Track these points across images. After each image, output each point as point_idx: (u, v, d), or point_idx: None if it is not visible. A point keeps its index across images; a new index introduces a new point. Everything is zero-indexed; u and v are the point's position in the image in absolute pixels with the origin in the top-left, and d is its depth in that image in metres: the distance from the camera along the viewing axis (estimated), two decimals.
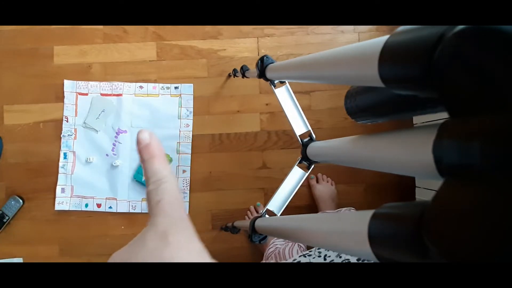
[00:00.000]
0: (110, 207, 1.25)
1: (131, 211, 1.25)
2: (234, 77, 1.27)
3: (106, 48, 1.29)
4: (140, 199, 1.25)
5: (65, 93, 1.27)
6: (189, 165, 1.27)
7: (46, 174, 1.26)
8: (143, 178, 1.29)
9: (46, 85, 1.28)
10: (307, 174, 0.86)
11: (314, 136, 0.85)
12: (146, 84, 1.28)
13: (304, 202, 1.29)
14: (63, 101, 1.27)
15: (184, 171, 1.27)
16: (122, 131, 1.27)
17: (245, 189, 1.29)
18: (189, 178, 1.27)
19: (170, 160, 1.26)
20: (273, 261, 0.95)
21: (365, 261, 0.67)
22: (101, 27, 1.29)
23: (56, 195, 1.25)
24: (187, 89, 1.29)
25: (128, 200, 1.25)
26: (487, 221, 0.24)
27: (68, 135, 1.26)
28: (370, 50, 0.37)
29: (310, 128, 0.85)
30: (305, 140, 0.85)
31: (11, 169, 1.25)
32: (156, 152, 0.34)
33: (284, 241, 1.02)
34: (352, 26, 1.34)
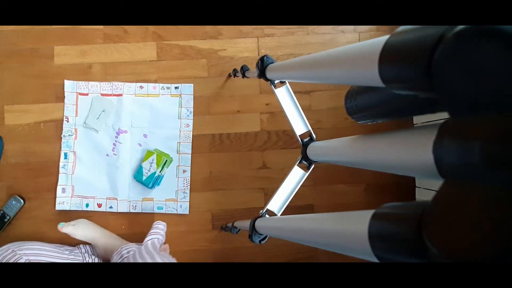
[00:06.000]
0: (111, 207, 1.25)
1: (132, 211, 1.25)
2: (234, 77, 1.27)
3: (106, 48, 1.29)
4: (141, 199, 1.25)
5: (65, 93, 1.27)
6: (189, 165, 1.27)
7: (47, 174, 1.26)
8: (143, 178, 1.30)
9: (47, 85, 1.28)
10: (307, 174, 0.86)
11: (314, 136, 0.85)
12: (146, 84, 1.28)
13: (304, 202, 1.29)
14: (63, 101, 1.27)
15: (184, 171, 1.27)
16: (123, 131, 1.27)
17: (245, 189, 1.29)
18: (189, 178, 1.27)
19: (171, 160, 1.26)
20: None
21: None
22: (101, 27, 1.29)
23: (57, 195, 1.25)
24: (187, 89, 1.29)
25: (129, 200, 1.25)
26: (486, 221, 0.24)
27: (69, 135, 1.27)
28: (371, 50, 0.37)
29: (310, 128, 0.86)
30: (305, 140, 0.85)
31: (12, 169, 1.26)
32: None
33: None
34: (353, 26, 1.34)
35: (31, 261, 1.02)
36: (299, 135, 0.85)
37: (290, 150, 1.30)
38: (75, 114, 1.27)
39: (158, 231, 1.11)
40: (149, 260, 0.94)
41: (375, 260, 0.34)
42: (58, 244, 1.15)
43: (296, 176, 0.86)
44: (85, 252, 1.16)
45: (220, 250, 1.27)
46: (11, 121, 1.27)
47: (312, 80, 0.64)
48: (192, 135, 1.28)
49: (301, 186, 0.86)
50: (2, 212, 1.21)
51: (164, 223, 1.17)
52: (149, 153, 1.24)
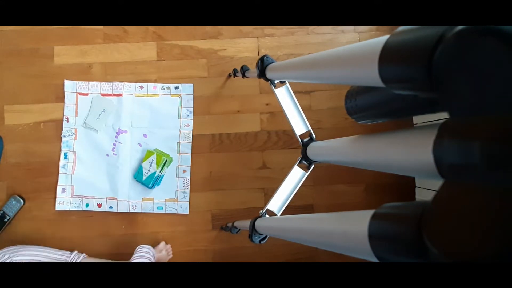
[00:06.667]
0: (111, 207, 1.25)
1: (132, 211, 1.25)
2: (234, 77, 1.27)
3: (106, 48, 1.29)
4: (141, 199, 1.25)
5: (65, 93, 1.27)
6: (189, 165, 1.27)
7: (47, 174, 1.26)
8: (143, 178, 1.30)
9: (47, 85, 1.28)
10: (307, 174, 0.86)
11: (314, 136, 0.85)
12: (146, 84, 1.28)
13: (304, 202, 1.29)
14: (63, 101, 1.27)
15: (184, 171, 1.27)
16: (123, 131, 1.27)
17: (245, 189, 1.29)
18: (189, 178, 1.27)
19: (171, 160, 1.26)
20: None
21: None
22: (101, 27, 1.29)
23: (57, 195, 1.25)
24: (187, 89, 1.29)
25: (129, 200, 1.25)
26: (486, 221, 0.24)
27: (69, 135, 1.27)
28: (370, 50, 0.37)
29: (310, 128, 0.85)
30: (305, 140, 0.85)
31: (12, 169, 1.25)
32: None
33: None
34: (353, 26, 1.34)
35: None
36: (299, 135, 0.85)
37: (290, 150, 1.30)
38: (75, 114, 1.27)
39: (142, 255, 1.08)
40: None
41: (375, 260, 0.34)
42: (55, 249, 1.14)
43: (296, 176, 0.86)
44: (72, 260, 1.13)
45: (220, 250, 1.27)
46: (11, 121, 1.27)
47: (312, 80, 0.64)
48: (192, 135, 1.28)
49: (301, 186, 0.86)
50: (2, 212, 1.21)
51: (148, 246, 1.13)
52: (149, 153, 1.24)
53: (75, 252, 1.15)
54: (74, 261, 1.12)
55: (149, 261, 1.07)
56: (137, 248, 1.11)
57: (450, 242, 0.25)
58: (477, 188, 0.26)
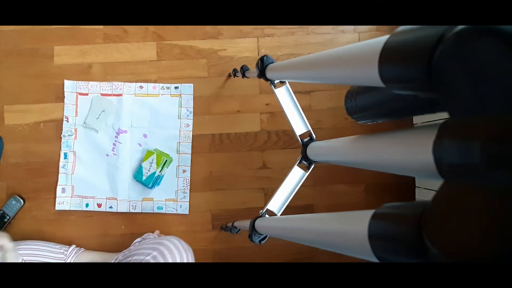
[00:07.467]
0: (111, 207, 1.25)
1: (132, 211, 1.25)
2: (234, 77, 1.27)
3: (106, 48, 1.29)
4: (141, 199, 1.25)
5: (65, 93, 1.27)
6: (189, 165, 1.27)
7: (47, 174, 1.26)
8: (143, 178, 1.30)
9: (47, 85, 1.28)
10: (307, 174, 0.86)
11: (314, 136, 0.85)
12: (146, 84, 1.28)
13: (304, 202, 1.29)
14: (63, 101, 1.27)
15: (184, 171, 1.27)
16: (123, 131, 1.27)
17: (245, 189, 1.29)
18: (189, 178, 1.27)
19: (171, 160, 1.26)
20: None
21: None
22: (101, 27, 1.29)
23: (57, 195, 1.25)
24: (187, 89, 1.29)
25: (129, 200, 1.25)
26: (486, 221, 0.24)
27: (69, 135, 1.27)
28: (370, 50, 0.37)
29: (310, 128, 0.85)
30: (305, 140, 0.85)
31: (11, 169, 1.25)
32: None
33: None
34: (353, 26, 1.34)
35: (26, 262, 1.03)
36: (299, 135, 0.85)
37: (290, 150, 1.30)
38: (75, 114, 1.27)
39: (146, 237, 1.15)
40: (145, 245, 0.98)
41: (375, 260, 0.34)
42: (54, 243, 1.16)
43: (296, 176, 0.86)
44: (70, 255, 1.15)
45: (220, 250, 1.27)
46: (11, 121, 1.27)
47: (312, 80, 0.64)
48: (192, 135, 1.28)
49: (301, 186, 0.86)
50: (2, 212, 1.21)
51: (153, 235, 1.18)
52: (149, 153, 1.24)
53: (73, 246, 1.16)
54: (71, 256, 1.14)
55: None
56: (144, 235, 1.17)
57: (450, 242, 0.25)
58: (477, 188, 0.26)
